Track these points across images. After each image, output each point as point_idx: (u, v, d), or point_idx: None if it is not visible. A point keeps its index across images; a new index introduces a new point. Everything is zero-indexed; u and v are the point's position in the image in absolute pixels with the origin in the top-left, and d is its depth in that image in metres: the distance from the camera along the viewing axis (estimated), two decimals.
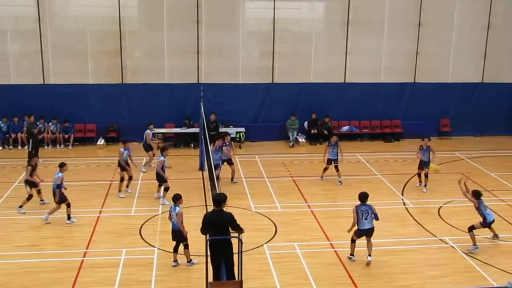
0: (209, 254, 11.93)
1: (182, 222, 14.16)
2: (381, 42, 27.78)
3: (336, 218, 18.22)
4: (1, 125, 25.82)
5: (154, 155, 22.64)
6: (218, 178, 18.46)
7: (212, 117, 24.91)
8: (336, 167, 21.07)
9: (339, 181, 21.01)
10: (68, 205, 17.18)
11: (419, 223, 17.54)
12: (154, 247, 15.59)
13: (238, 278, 11.86)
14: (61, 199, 17.10)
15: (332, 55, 27.79)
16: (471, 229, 15.47)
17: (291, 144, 26.93)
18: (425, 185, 20.52)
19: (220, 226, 11.85)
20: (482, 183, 21.28)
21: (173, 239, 14.47)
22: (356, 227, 14.72)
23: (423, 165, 20.47)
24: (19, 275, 13.99)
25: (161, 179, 19.02)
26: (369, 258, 14.62)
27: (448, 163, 24.24)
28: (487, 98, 28.60)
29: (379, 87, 28.05)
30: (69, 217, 17.19)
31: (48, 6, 26.03)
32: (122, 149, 19.79)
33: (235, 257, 12.06)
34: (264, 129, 27.55)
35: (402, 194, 20.16)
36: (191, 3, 26.38)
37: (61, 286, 13.50)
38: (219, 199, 12.17)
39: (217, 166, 19.28)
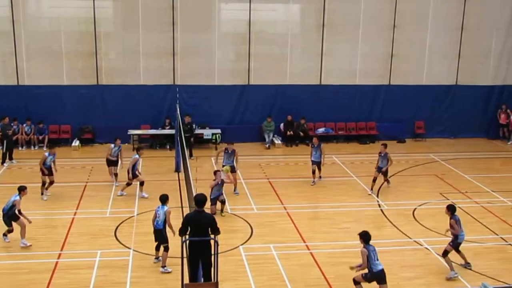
0: (186, 255, 11.90)
1: (170, 221, 14.28)
2: (356, 44, 27.96)
3: (312, 219, 18.33)
4: None
5: (116, 174, 20.83)
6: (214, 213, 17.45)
7: (187, 119, 24.74)
8: (319, 168, 21.39)
9: (320, 177, 21.45)
10: (9, 232, 15.70)
11: (394, 225, 17.69)
12: (130, 248, 15.51)
13: (214, 279, 11.85)
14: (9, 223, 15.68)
15: (307, 57, 27.90)
16: (445, 254, 14.44)
17: (267, 145, 26.99)
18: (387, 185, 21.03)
19: (200, 227, 11.82)
20: (456, 185, 21.58)
21: (156, 239, 14.48)
22: (363, 271, 12.96)
23: (379, 170, 20.62)
24: None
25: (133, 175, 19.30)
26: None
27: (422, 165, 24.49)
28: (461, 100, 28.89)
29: (354, 89, 28.24)
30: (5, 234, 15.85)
31: (22, 7, 25.77)
32: (46, 154, 19.50)
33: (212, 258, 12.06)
34: (240, 130, 27.54)
35: (377, 196, 20.30)
36: (166, 4, 26.31)
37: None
38: (201, 200, 12.09)
39: (213, 201, 18.05)
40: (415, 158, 25.45)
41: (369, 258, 12.55)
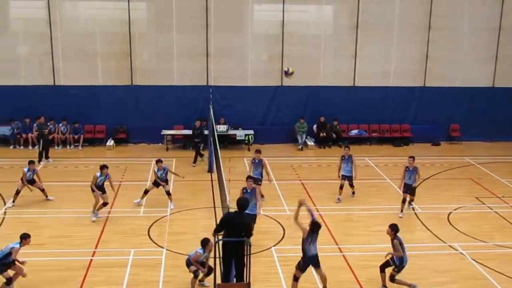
0: (219, 255, 11.96)
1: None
2: (390, 45, 27.75)
3: (344, 222, 18.20)
4: (12, 126, 25.96)
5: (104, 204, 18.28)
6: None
7: (197, 123, 24.30)
8: (351, 185, 19.79)
9: (353, 192, 20.04)
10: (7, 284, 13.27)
11: (428, 229, 17.46)
12: (162, 248, 15.62)
13: (246, 280, 11.86)
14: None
15: (341, 58, 27.78)
16: (392, 279, 13.57)
17: (299, 147, 26.92)
18: (407, 207, 18.73)
19: (237, 230, 11.89)
20: (492, 189, 21.22)
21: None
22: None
23: (407, 188, 18.43)
24: (28, 273, 14.01)
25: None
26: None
27: (457, 168, 24.15)
28: (497, 102, 28.42)
29: (388, 91, 28.00)
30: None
31: (58, 9, 26.21)
32: (25, 169, 18.97)
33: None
34: (273, 131, 27.57)
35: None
36: (200, 6, 26.46)
37: (70, 285, 13.58)
38: (243, 204, 12.38)
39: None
40: (450, 161, 25.11)
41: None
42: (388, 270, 13.70)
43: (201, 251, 13.15)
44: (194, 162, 23.68)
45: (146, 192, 19.06)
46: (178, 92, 26.90)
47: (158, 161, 19.12)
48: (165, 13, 26.73)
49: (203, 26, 26.64)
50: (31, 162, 19.21)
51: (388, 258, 13.53)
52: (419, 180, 18.56)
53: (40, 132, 24.06)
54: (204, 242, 13.20)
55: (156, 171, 18.95)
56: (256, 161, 19.03)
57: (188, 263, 13.31)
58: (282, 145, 27.23)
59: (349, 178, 19.57)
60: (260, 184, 18.46)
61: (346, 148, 20.00)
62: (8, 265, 13.12)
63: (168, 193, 18.90)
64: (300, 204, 13.36)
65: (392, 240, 13.47)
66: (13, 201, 18.74)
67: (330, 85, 27.66)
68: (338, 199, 19.81)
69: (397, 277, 13.55)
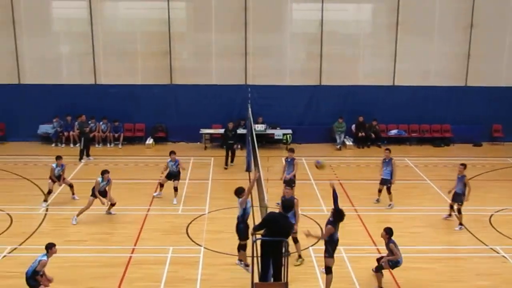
0: (257, 254, 11.99)
1: None
2: (430, 44, 27.37)
3: (383, 223, 17.90)
4: (54, 124, 26.43)
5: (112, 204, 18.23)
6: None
7: (230, 125, 24.16)
8: (388, 188, 19.05)
9: (389, 204, 19.12)
10: None
11: (469, 231, 17.18)
12: (200, 246, 15.72)
13: (284, 280, 11.86)
14: None
15: (380, 57, 27.54)
16: (378, 269, 13.69)
17: (338, 147, 26.78)
18: (460, 224, 17.52)
19: (279, 230, 11.91)
20: None
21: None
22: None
23: (455, 197, 17.70)
24: (69, 269, 14.32)
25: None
26: None
27: (500, 170, 23.71)
28: None
29: (428, 90, 27.62)
30: None
31: (99, 9, 26.61)
32: (53, 165, 19.18)
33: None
34: (311, 131, 27.49)
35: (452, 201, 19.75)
36: (239, 5, 26.54)
37: (109, 281, 13.77)
38: (289, 205, 12.73)
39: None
40: (492, 162, 24.66)
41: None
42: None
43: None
44: (226, 164, 23.47)
45: (162, 185, 19.63)
46: (216, 91, 27.03)
47: (172, 153, 19.66)
48: (204, 12, 26.90)
49: (241, 25, 26.71)
50: (58, 158, 19.44)
51: (384, 262, 13.57)
52: (469, 193, 17.56)
53: (81, 130, 24.47)
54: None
55: (168, 162, 19.44)
56: (289, 159, 19.01)
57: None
58: (320, 145, 27.13)
59: (387, 182, 19.07)
60: (294, 186, 17.73)
61: (387, 150, 19.47)
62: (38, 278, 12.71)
63: (176, 189, 19.29)
64: (332, 187, 13.58)
65: (386, 244, 13.52)
66: (45, 200, 18.96)
67: (369, 85, 27.44)
68: (377, 200, 19.62)
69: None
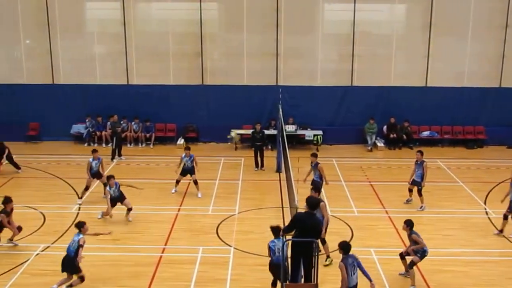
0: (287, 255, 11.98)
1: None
2: (464, 45, 27.01)
3: (415, 225, 17.76)
4: (87, 124, 26.76)
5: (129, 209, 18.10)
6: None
7: (258, 126, 24.07)
8: (419, 191, 18.78)
9: (421, 207, 18.83)
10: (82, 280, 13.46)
11: (502, 234, 16.91)
12: (230, 246, 15.75)
13: (314, 281, 11.82)
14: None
15: (412, 58, 27.30)
16: (411, 265, 13.65)
17: (369, 148, 26.60)
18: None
19: (308, 229, 11.87)
20: None
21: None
22: None
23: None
24: (100, 267, 14.48)
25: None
26: None
27: None
28: None
29: (462, 91, 27.25)
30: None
31: (132, 10, 26.88)
32: (90, 159, 19.36)
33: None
34: (342, 132, 27.35)
35: (485, 203, 19.50)
36: (271, 6, 26.54)
37: (140, 280, 13.89)
38: (314, 202, 12.28)
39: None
40: None
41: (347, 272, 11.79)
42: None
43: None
44: (256, 166, 23.31)
45: (177, 182, 19.99)
46: (247, 91, 27.07)
47: (187, 148, 20.09)
48: (235, 13, 26.98)
49: (273, 25, 26.71)
50: (94, 151, 19.59)
51: (409, 251, 13.75)
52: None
53: (113, 130, 24.73)
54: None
55: (182, 157, 19.78)
56: (313, 164, 18.71)
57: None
58: (351, 146, 26.99)
59: (417, 184, 18.81)
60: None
61: (418, 152, 19.08)
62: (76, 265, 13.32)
63: (196, 182, 19.75)
64: None
65: (409, 236, 13.69)
66: (80, 197, 19.28)
67: (401, 86, 27.19)
68: (408, 200, 19.45)
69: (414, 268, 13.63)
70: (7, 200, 15.62)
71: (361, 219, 17.95)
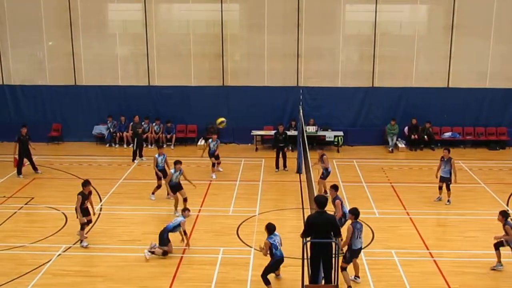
0: (307, 256, 11.95)
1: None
2: (487, 45, 26.71)
3: (436, 226, 17.76)
4: (108, 125, 26.96)
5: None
6: None
7: (280, 127, 23.73)
8: (448, 186, 19.11)
9: (448, 201, 19.23)
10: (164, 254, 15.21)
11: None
12: (251, 247, 15.77)
13: (334, 282, 11.80)
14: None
15: (434, 59, 27.09)
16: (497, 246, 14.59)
17: (390, 149, 26.46)
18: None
19: (323, 228, 11.84)
20: None
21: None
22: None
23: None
24: (121, 268, 14.57)
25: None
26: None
27: None
28: None
29: (484, 92, 26.98)
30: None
31: (154, 11, 27.02)
32: (156, 155, 19.57)
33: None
34: (363, 133, 27.23)
35: (507, 205, 19.31)
36: (292, 6, 26.52)
37: (161, 281, 13.94)
38: (322, 201, 12.16)
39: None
40: None
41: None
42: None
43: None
44: (277, 167, 23.17)
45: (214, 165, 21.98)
46: (268, 92, 27.06)
47: (213, 133, 22.77)
48: (257, 14, 26.99)
49: (294, 26, 26.69)
50: (160, 147, 20.12)
51: (500, 239, 14.40)
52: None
53: (134, 131, 24.85)
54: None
55: (210, 142, 21.87)
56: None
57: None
58: (372, 147, 26.87)
59: (446, 180, 19.11)
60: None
61: (445, 150, 19.43)
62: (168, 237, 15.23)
63: (218, 163, 22.49)
64: None
65: (503, 225, 14.18)
66: (153, 193, 19.60)
67: (423, 87, 27.02)
68: (438, 198, 19.54)
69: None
70: (86, 183, 16.11)
71: (382, 221, 17.86)
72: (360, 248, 13.46)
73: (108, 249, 15.74)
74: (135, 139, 24.54)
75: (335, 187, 15.89)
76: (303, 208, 18.65)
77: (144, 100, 27.11)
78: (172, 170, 18.16)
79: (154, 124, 26.97)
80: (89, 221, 16.10)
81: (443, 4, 26.64)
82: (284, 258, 13.32)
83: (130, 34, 27.57)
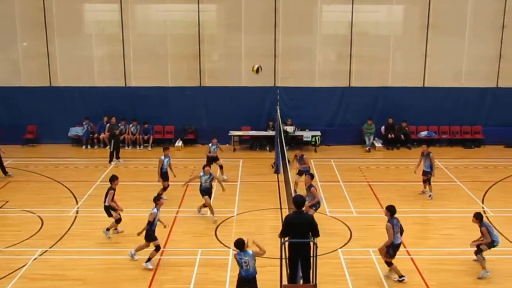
0: (286, 256, 11.95)
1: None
2: (462, 45, 27.01)
3: (413, 225, 17.84)
4: (84, 126, 26.73)
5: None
6: None
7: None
8: (428, 180, 19.80)
9: (430, 195, 19.80)
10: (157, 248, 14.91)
11: (500, 233, 16.89)
12: (229, 248, 15.74)
13: (312, 282, 11.82)
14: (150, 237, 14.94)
15: (410, 58, 27.33)
16: (478, 251, 14.38)
17: (367, 148, 26.61)
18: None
19: (300, 228, 11.84)
20: None
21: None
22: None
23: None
24: (100, 271, 14.47)
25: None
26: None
27: None
28: None
29: (459, 91, 27.27)
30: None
31: (130, 11, 26.86)
32: (162, 157, 19.46)
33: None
34: (340, 133, 27.35)
35: (483, 202, 19.54)
36: (269, 7, 26.54)
37: (139, 283, 13.87)
38: (299, 201, 12.17)
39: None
40: None
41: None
42: None
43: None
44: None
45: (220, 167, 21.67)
46: (246, 93, 27.05)
47: (213, 137, 21.74)
48: (234, 15, 26.96)
49: (271, 27, 26.72)
50: (165, 149, 19.85)
51: (475, 245, 14.37)
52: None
53: (111, 133, 24.67)
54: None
55: (210, 146, 21.38)
56: (298, 157, 19.68)
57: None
58: (349, 147, 27.01)
59: (429, 173, 19.77)
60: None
61: (424, 145, 20.26)
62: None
63: (221, 167, 21.81)
64: None
65: (480, 227, 14.26)
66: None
67: (399, 86, 27.22)
68: (423, 191, 20.10)
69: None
70: (114, 178, 16.44)
71: (360, 220, 17.97)
72: (400, 243, 13.89)
73: (86, 252, 15.61)
74: (112, 141, 24.36)
75: (311, 175, 16.69)
76: (281, 208, 18.67)
77: (121, 101, 26.90)
78: (202, 174, 17.98)
79: (131, 125, 26.81)
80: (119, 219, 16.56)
81: (419, 4, 26.87)
82: (253, 279, 12.21)
83: (107, 35, 27.32)
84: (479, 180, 22.03)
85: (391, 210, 13.94)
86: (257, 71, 21.90)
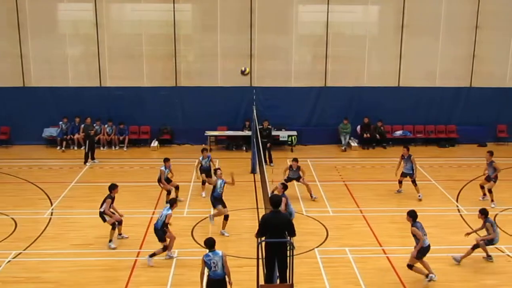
0: (262, 256, 11.95)
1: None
2: (436, 45, 27.28)
3: (389, 223, 17.98)
4: (62, 125, 26.44)
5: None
6: None
7: (265, 123, 24.54)
8: (414, 181, 19.86)
9: (419, 195, 19.85)
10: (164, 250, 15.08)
11: (474, 231, 17.08)
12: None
13: (289, 281, 11.84)
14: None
15: (385, 58, 27.51)
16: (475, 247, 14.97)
17: (343, 148, 26.74)
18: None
19: (277, 228, 11.84)
20: None
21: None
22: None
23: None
24: (74, 273, 14.32)
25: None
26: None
27: (505, 169, 23.55)
28: None
29: (433, 91, 27.56)
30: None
31: (105, 10, 26.63)
32: (163, 168, 19.16)
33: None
34: (316, 132, 27.45)
35: (457, 201, 19.75)
36: (245, 7, 26.53)
37: (115, 285, 13.76)
38: (276, 201, 12.15)
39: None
40: (497, 162, 24.48)
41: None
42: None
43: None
44: (266, 163, 22.86)
45: (204, 183, 19.95)
46: (222, 93, 27.00)
47: (204, 150, 20.29)
48: (209, 14, 26.88)
49: (247, 26, 26.70)
50: (166, 160, 19.36)
51: (479, 240, 14.87)
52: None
53: (86, 133, 24.43)
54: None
55: (201, 159, 19.92)
56: (294, 169, 19.70)
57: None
58: (325, 146, 27.11)
59: (410, 175, 19.83)
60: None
61: (405, 148, 20.23)
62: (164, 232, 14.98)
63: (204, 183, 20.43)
64: None
65: (484, 223, 14.88)
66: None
67: (375, 86, 27.41)
68: (398, 190, 20.28)
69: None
70: (114, 186, 16.27)
71: (336, 219, 18.04)
72: (429, 246, 13.87)
73: (60, 254, 15.44)
74: (87, 141, 24.13)
75: (284, 186, 16.43)
76: (257, 208, 18.67)
77: (95, 101, 26.66)
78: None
79: (106, 125, 26.60)
80: (120, 221, 16.27)
81: (393, 5, 27.06)
82: (223, 281, 12.04)
83: (81, 35, 27.02)
84: (453, 179, 22.26)
85: (413, 215, 13.97)
86: (243, 72, 22.16)
